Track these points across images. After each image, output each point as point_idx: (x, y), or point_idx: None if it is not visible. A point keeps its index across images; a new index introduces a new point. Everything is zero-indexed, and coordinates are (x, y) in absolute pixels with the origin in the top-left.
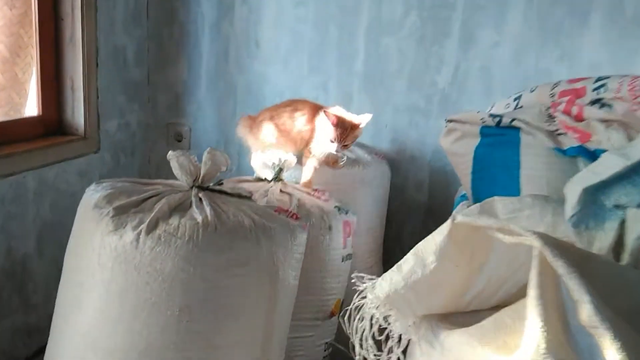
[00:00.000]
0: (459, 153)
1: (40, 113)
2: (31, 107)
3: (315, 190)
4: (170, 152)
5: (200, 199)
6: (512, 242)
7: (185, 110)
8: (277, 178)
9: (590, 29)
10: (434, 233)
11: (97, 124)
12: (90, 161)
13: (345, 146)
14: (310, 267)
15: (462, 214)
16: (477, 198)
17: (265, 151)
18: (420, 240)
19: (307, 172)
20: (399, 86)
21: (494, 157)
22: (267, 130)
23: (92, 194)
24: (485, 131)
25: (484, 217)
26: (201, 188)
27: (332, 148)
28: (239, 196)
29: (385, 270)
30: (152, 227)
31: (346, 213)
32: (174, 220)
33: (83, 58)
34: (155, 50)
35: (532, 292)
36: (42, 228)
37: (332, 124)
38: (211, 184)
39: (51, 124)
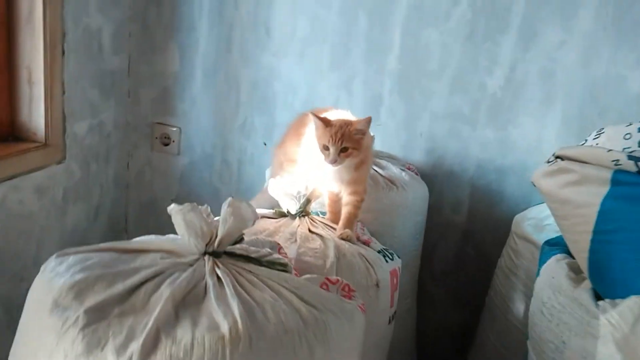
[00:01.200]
0: (574, 202)
1: None
2: None
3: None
4: (173, 206)
5: (218, 278)
6: None
7: (175, 108)
8: (303, 212)
9: None
10: None
11: (62, 127)
12: (52, 174)
13: (345, 153)
14: None
15: None
16: (597, 267)
17: (286, 175)
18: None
19: (349, 219)
20: (440, 88)
21: (633, 215)
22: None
23: (51, 281)
24: (620, 178)
25: None
26: (217, 254)
27: (329, 158)
28: (271, 265)
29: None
30: (148, 349)
31: (392, 258)
32: (184, 333)
33: (45, 43)
34: (139, 34)
35: None
36: None
37: (322, 121)
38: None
39: (0, 128)
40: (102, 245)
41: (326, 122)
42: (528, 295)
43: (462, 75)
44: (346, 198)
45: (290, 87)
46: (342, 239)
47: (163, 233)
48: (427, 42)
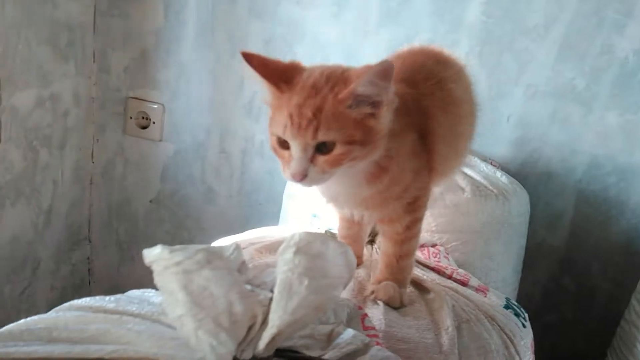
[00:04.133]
0: None
1: None
2: None
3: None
4: (159, 252)
5: None
6: None
7: (156, 79)
8: (372, 236)
9: None
10: None
11: None
12: None
13: (330, 155)
14: None
15: None
16: None
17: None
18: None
19: (390, 264)
20: (543, 52)
21: None
22: None
23: None
24: None
25: None
26: None
27: (291, 169)
28: None
29: None
30: None
31: (525, 319)
32: None
33: None
34: None
35: None
36: None
37: (272, 78)
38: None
39: None
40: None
41: (293, 79)
42: None
43: (578, 33)
44: (382, 228)
45: (320, 50)
46: (379, 299)
47: (137, 247)
48: None
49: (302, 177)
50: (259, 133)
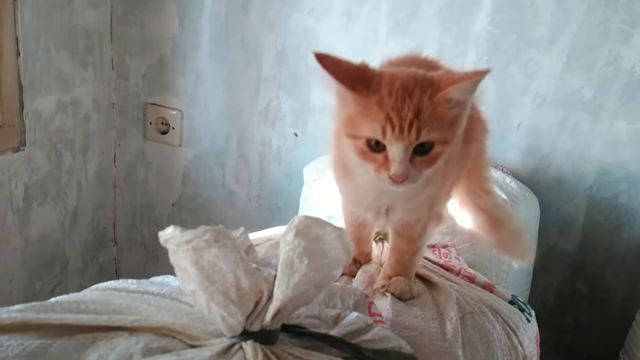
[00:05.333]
0: None
1: None
2: None
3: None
4: (170, 231)
5: None
6: None
7: (174, 85)
8: (382, 234)
9: None
10: None
11: (18, 101)
12: (6, 164)
13: (427, 156)
14: None
15: None
16: None
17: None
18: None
19: (402, 261)
20: (550, 62)
21: None
22: None
23: None
24: None
25: None
26: (268, 335)
27: (393, 171)
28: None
29: None
30: None
31: (530, 314)
32: None
33: None
34: None
35: None
36: None
37: (356, 80)
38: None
39: None
40: (27, 312)
41: (368, 81)
42: None
43: (585, 44)
44: (401, 227)
45: None
46: (390, 293)
47: (162, 248)
48: None
49: (405, 177)
50: (275, 138)
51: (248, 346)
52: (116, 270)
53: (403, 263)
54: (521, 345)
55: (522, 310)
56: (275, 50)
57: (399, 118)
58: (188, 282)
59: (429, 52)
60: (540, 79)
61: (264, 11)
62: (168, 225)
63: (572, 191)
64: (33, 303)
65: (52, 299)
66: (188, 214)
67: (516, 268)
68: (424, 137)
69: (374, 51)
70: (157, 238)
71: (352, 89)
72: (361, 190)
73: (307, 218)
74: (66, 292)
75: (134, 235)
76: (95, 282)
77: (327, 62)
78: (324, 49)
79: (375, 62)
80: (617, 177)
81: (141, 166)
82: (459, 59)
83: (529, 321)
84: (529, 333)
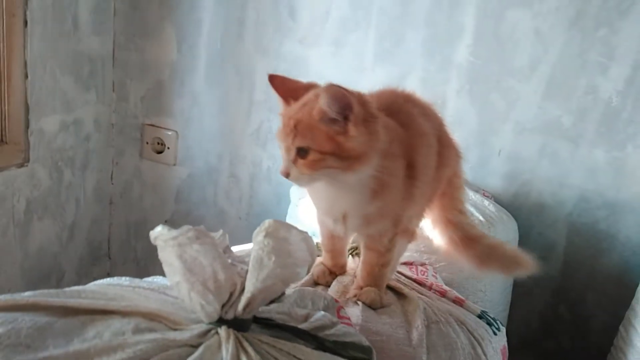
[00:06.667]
0: None
1: None
2: None
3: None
4: (159, 230)
5: None
6: None
7: (171, 107)
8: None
9: None
10: None
11: (24, 120)
12: (10, 179)
13: (306, 160)
14: None
15: None
16: None
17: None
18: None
19: (371, 273)
20: (529, 91)
21: None
22: None
23: None
24: None
25: None
26: (240, 324)
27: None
28: (342, 349)
29: None
30: None
31: (498, 328)
32: None
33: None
34: (127, 10)
35: None
36: None
37: (283, 94)
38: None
39: None
40: (37, 296)
41: (289, 95)
42: None
43: (563, 74)
44: (367, 240)
45: (321, 84)
46: (362, 302)
47: (154, 264)
48: (513, 27)
49: (286, 173)
50: (266, 159)
51: (222, 331)
52: None
53: (373, 275)
54: (485, 355)
55: (489, 324)
56: (267, 75)
57: (286, 125)
58: (173, 274)
59: (413, 78)
60: (520, 107)
61: (258, 38)
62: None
63: (552, 216)
64: (42, 290)
65: (53, 290)
66: None
67: (495, 287)
68: (297, 143)
69: (362, 78)
70: (150, 254)
71: (285, 100)
72: (317, 195)
73: (275, 222)
74: None
75: (127, 251)
76: None
77: (275, 80)
78: (313, 75)
79: (362, 88)
80: (596, 204)
81: (137, 184)
82: (441, 86)
83: (495, 334)
84: (495, 345)
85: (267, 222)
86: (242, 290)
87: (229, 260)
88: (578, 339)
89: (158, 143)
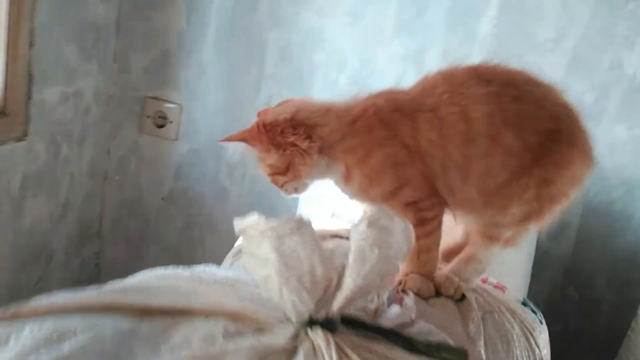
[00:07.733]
0: None
1: None
2: None
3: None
4: (254, 220)
5: None
6: None
7: (176, 79)
8: None
9: None
10: None
11: (26, 90)
12: (9, 154)
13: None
14: None
15: None
16: None
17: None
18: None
19: (413, 257)
20: (553, 65)
21: None
22: None
23: None
24: None
25: None
26: (330, 324)
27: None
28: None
29: None
30: None
31: (540, 315)
32: None
33: None
34: None
35: None
36: None
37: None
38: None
39: None
40: (93, 296)
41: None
42: None
43: (588, 48)
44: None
45: (336, 57)
46: (409, 289)
47: (147, 244)
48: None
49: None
50: None
51: (318, 334)
52: (97, 264)
53: (414, 261)
54: (538, 347)
55: (534, 312)
56: (279, 48)
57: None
58: (262, 267)
59: (434, 52)
60: None
61: (272, 8)
62: (156, 219)
63: None
64: (104, 289)
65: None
66: (177, 208)
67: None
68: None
69: (380, 50)
70: (143, 233)
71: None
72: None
73: (377, 210)
74: (50, 284)
75: (119, 229)
76: (78, 277)
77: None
78: (329, 47)
79: (379, 61)
80: (614, 183)
81: (134, 159)
82: (464, 60)
83: (541, 323)
84: (544, 335)
85: (369, 211)
86: (337, 286)
87: (327, 254)
88: (585, 321)
89: (160, 117)
